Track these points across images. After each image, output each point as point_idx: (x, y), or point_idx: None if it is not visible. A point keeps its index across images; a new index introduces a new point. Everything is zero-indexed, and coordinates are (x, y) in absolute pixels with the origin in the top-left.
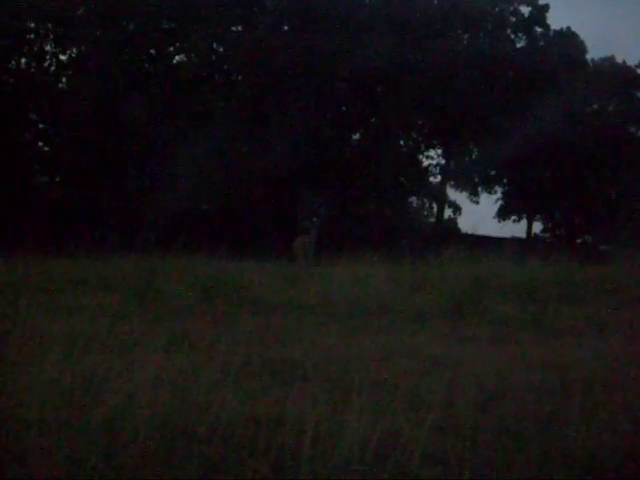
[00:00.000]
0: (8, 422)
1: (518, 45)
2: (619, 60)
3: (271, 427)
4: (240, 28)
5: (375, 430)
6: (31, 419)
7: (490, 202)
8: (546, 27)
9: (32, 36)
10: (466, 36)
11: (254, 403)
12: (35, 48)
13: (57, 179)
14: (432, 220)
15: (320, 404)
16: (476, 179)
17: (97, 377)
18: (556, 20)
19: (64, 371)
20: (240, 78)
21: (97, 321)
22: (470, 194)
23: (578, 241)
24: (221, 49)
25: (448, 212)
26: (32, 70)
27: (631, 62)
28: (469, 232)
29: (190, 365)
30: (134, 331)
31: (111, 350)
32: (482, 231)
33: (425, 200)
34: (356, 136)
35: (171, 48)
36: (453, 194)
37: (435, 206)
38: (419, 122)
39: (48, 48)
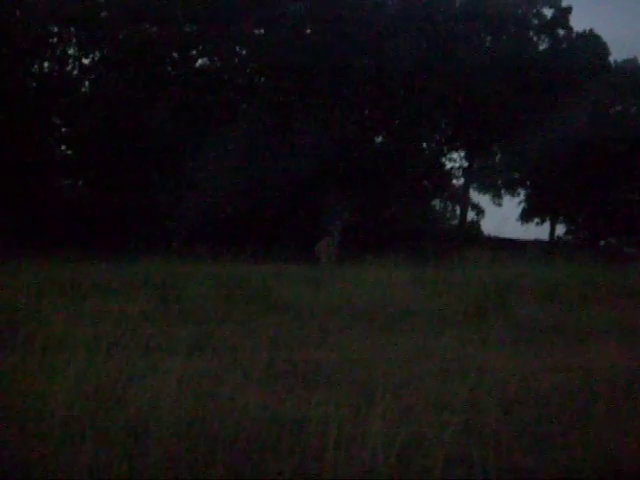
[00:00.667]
0: (32, 425)
1: (541, 47)
2: None
3: (295, 430)
4: (262, 31)
5: (399, 433)
6: (55, 422)
7: (513, 204)
8: (569, 29)
9: (55, 40)
10: (489, 38)
11: (277, 406)
12: (58, 52)
13: (80, 183)
14: (455, 222)
15: (344, 407)
16: (499, 182)
17: (121, 380)
18: (579, 22)
19: (88, 374)
20: (262, 81)
21: (121, 324)
22: (493, 196)
23: (601, 243)
24: (243, 52)
25: (471, 215)
26: (55, 74)
27: None
28: (492, 235)
29: (213, 368)
30: (158, 334)
31: (135, 353)
32: (505, 234)
33: (448, 203)
34: (379, 139)
35: (194, 51)
36: (476, 197)
37: (458, 209)
38: (442, 125)
39: (71, 52)
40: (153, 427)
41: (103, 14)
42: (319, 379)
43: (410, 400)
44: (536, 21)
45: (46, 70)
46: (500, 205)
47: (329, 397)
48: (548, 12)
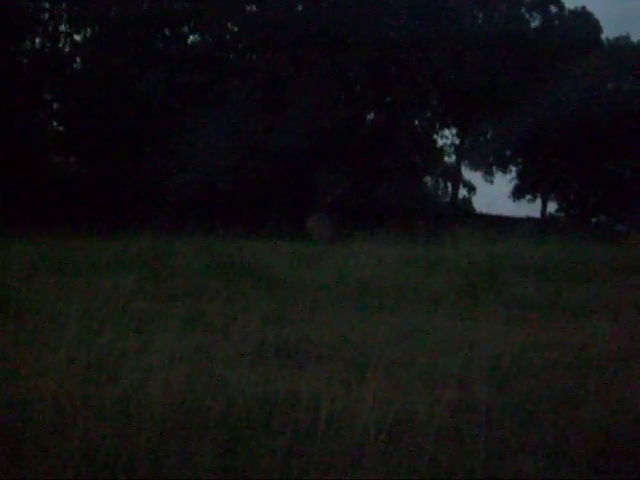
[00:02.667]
0: (24, 402)
1: (533, 24)
2: (634, 39)
3: (286, 407)
4: (254, 7)
5: (390, 409)
6: (47, 398)
7: (505, 182)
8: (561, 6)
9: (46, 16)
10: (481, 15)
11: (269, 382)
12: (49, 28)
13: (71, 159)
14: (447, 200)
15: (335, 384)
16: (491, 158)
17: (112, 356)
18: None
19: (80, 350)
20: (254, 58)
21: (112, 301)
22: (485, 173)
23: (593, 221)
24: (235, 28)
25: (463, 192)
26: (46, 50)
27: None
28: (484, 212)
29: (205, 344)
30: (149, 310)
31: (126, 330)
32: (497, 211)
33: (440, 180)
34: (370, 116)
35: (185, 28)
36: (468, 174)
37: (450, 186)
38: (434, 101)
39: (62, 28)
40: (144, 403)
41: None
42: (310, 356)
43: (402, 377)
44: None
45: (38, 46)
46: (492, 182)
47: (320, 374)
48: None
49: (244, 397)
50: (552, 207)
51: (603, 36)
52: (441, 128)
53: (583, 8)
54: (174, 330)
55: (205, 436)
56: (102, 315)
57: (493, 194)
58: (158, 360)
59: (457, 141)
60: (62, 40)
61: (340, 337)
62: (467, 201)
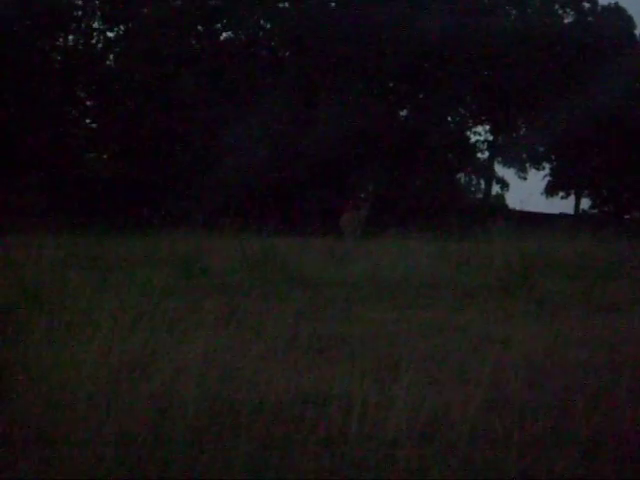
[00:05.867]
0: (58, 398)
1: (566, 21)
2: None
3: (319, 403)
4: (287, 4)
5: (423, 407)
6: (80, 396)
7: (538, 178)
8: (594, 2)
9: (79, 13)
10: (514, 12)
11: (302, 379)
12: (82, 25)
13: (105, 156)
14: (480, 196)
15: (368, 380)
16: (524, 155)
17: (145, 353)
18: None
19: (112, 347)
20: (287, 55)
21: (145, 298)
22: (518, 170)
23: (627, 217)
24: (268, 25)
25: (496, 188)
26: (80, 47)
27: None
28: (517, 208)
29: (238, 341)
30: (182, 308)
31: (159, 327)
32: (530, 207)
33: (473, 176)
34: (404, 112)
35: (218, 25)
36: (501, 170)
37: (483, 182)
38: (467, 98)
39: (95, 25)
40: (177, 400)
41: None
42: (343, 353)
43: (434, 374)
44: None
45: (71, 43)
46: (525, 179)
47: (353, 371)
48: None
49: (277, 394)
50: (585, 204)
51: (637, 32)
52: (474, 125)
53: (616, 3)
54: (206, 327)
55: (238, 433)
56: (135, 312)
57: (526, 191)
58: (191, 357)
59: (490, 138)
60: (95, 37)
61: (372, 334)
62: (500, 197)
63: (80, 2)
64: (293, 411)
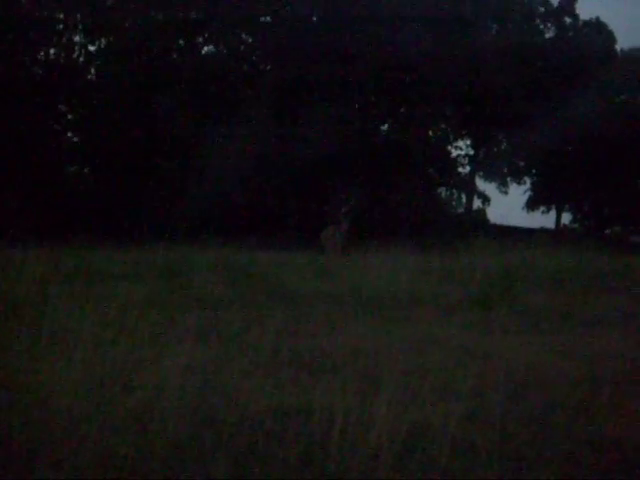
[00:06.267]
0: (38, 413)
1: (547, 35)
2: None
3: (300, 417)
4: (269, 18)
5: (404, 420)
6: (61, 409)
7: (519, 193)
8: (575, 17)
9: (61, 27)
10: (495, 26)
11: (283, 393)
12: (64, 39)
13: (86, 170)
14: (461, 211)
15: (349, 395)
16: (505, 170)
17: (127, 367)
18: (585, 10)
19: (94, 361)
20: (268, 69)
21: (126, 311)
22: (499, 185)
23: (607, 232)
24: (250, 39)
25: (477, 203)
26: (61, 61)
27: None
28: (498, 223)
29: (219, 355)
30: (164, 321)
31: (141, 340)
32: (511, 222)
33: (454, 190)
34: (384, 127)
35: (200, 39)
36: (482, 185)
37: (464, 197)
38: (448, 113)
39: (77, 39)
40: (159, 413)
41: (109, 1)
42: (324, 367)
43: (416, 388)
44: (542, 9)
45: (52, 57)
46: (506, 193)
47: (334, 385)
48: (554, 0)
49: (258, 408)
50: (566, 218)
51: (617, 47)
52: (455, 139)
53: (597, 19)
54: (188, 340)
55: (219, 446)
56: (116, 325)
57: (507, 205)
58: (172, 370)
59: (471, 152)
60: (77, 51)
61: (354, 348)
62: (481, 212)
63: (61, 16)
64: (274, 425)
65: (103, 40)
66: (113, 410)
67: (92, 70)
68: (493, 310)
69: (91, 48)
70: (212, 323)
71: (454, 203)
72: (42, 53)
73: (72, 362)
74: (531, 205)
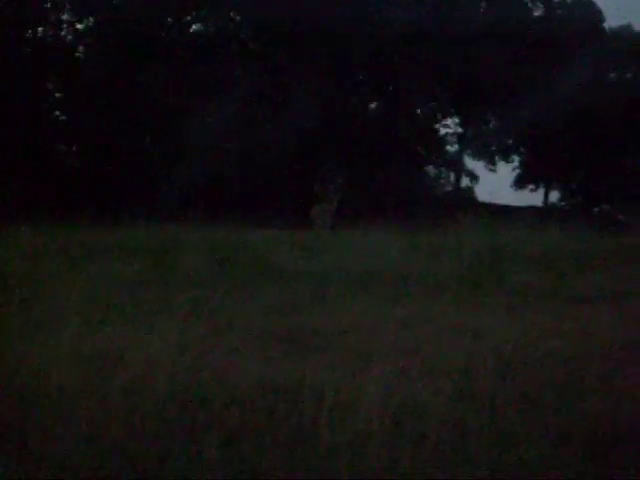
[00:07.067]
0: (30, 390)
1: (536, 14)
2: (637, 28)
3: (290, 395)
4: None
5: (394, 398)
6: (51, 387)
7: (507, 171)
8: None
9: (49, 5)
10: (483, 4)
11: (273, 371)
12: (52, 17)
13: (74, 148)
14: (449, 189)
15: (339, 372)
16: (493, 148)
17: (116, 345)
18: None
19: (84, 339)
20: (257, 47)
21: (116, 289)
22: (487, 163)
23: (595, 210)
24: (238, 18)
25: (465, 181)
26: (49, 39)
27: None
28: (486, 201)
29: (209, 333)
30: (153, 299)
31: (130, 318)
32: (499, 200)
33: (442, 169)
34: (373, 105)
35: (188, 17)
36: (470, 163)
37: (452, 175)
38: (436, 91)
39: (65, 17)
40: (149, 391)
41: None
42: (314, 345)
43: (405, 365)
44: None
45: (40, 35)
46: (494, 171)
47: (324, 363)
48: None
49: (248, 385)
50: (554, 196)
51: (606, 25)
52: (444, 117)
53: None
54: (178, 318)
55: (210, 425)
56: (106, 304)
57: (496, 183)
58: (162, 349)
59: (460, 130)
60: (64, 29)
61: (343, 326)
62: (470, 190)
63: None
64: (265, 402)
65: (91, 19)
66: (103, 389)
67: (80, 48)
68: (481, 288)
69: (79, 26)
70: (202, 301)
71: (442, 181)
72: (29, 32)
73: (62, 341)
74: (519, 183)
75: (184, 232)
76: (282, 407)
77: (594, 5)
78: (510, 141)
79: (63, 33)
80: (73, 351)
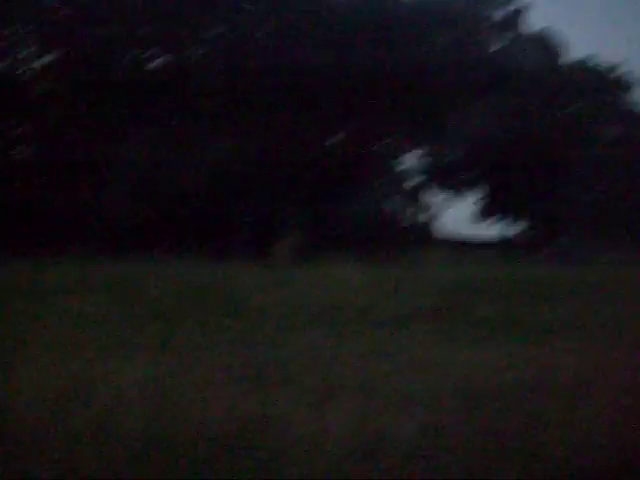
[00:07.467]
0: None
1: (493, 48)
2: (593, 62)
3: (256, 428)
4: (222, 29)
5: (359, 432)
6: (21, 424)
7: (468, 204)
8: (521, 30)
9: (11, 41)
10: (440, 39)
11: (238, 405)
12: (15, 52)
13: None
14: (410, 223)
15: (304, 406)
16: (454, 181)
17: (84, 381)
18: (536, 19)
19: (52, 376)
20: (218, 80)
21: (82, 325)
22: (448, 196)
23: (555, 242)
24: (200, 51)
25: (426, 214)
26: (7, 76)
27: (613, 60)
28: (447, 234)
29: (175, 368)
30: (118, 335)
31: (96, 354)
32: (460, 233)
33: (403, 203)
34: (332, 139)
35: (149, 52)
36: (431, 196)
37: (413, 209)
38: (396, 125)
39: (26, 53)
40: (117, 425)
41: (56, 16)
42: (279, 379)
43: (370, 398)
44: (489, 22)
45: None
46: (455, 206)
47: (289, 396)
48: (502, 13)
49: (214, 419)
50: (516, 228)
51: (563, 59)
52: (403, 151)
53: (544, 30)
54: (144, 354)
55: (176, 457)
56: (73, 340)
57: (456, 217)
58: (129, 384)
59: (420, 164)
60: (23, 66)
61: (309, 360)
62: (430, 224)
63: (6, 32)
64: (231, 436)
65: (51, 55)
66: (72, 425)
67: (41, 83)
68: (444, 321)
69: (38, 63)
70: (167, 337)
71: (403, 215)
72: None
73: (30, 377)
74: (480, 216)
75: (146, 266)
76: (247, 441)
77: (552, 39)
78: (471, 175)
79: (23, 69)
80: (41, 387)
